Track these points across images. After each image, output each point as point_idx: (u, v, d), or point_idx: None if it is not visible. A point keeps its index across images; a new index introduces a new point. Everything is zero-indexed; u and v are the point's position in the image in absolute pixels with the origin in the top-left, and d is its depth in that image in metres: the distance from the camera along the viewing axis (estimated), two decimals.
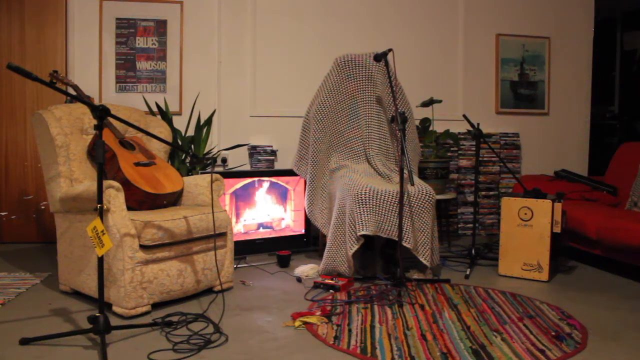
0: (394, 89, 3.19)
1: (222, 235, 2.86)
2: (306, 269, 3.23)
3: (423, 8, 4.64)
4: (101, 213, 2.07)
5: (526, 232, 3.19)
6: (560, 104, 4.97)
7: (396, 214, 2.97)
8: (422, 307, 2.64)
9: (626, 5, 6.30)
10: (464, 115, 3.64)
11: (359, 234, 2.96)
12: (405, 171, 2.93)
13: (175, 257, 2.63)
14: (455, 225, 4.66)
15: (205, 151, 4.04)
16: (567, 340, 2.21)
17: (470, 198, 4.66)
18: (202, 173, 3.59)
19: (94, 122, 2.05)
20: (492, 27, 4.76)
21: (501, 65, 4.78)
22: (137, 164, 2.74)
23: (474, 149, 4.65)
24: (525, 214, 3.19)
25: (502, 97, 4.82)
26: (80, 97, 2.13)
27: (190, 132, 4.06)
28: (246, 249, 3.65)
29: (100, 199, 2.08)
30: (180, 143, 3.87)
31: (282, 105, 4.33)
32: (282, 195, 3.80)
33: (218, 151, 4.12)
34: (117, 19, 4.14)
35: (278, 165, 4.27)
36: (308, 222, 3.84)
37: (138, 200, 2.69)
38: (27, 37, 4.04)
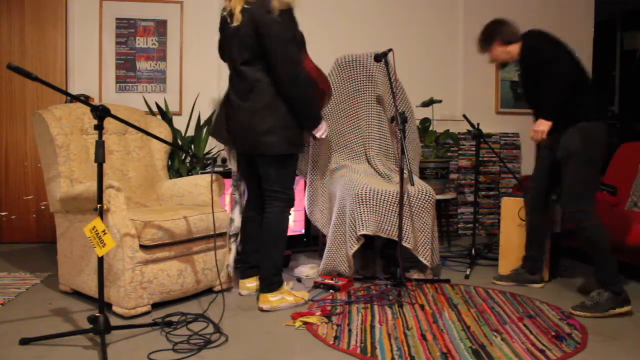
0: (394, 89, 3.19)
1: (222, 235, 2.86)
2: (306, 269, 3.23)
3: (423, 8, 4.64)
4: (101, 213, 2.07)
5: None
6: None
7: (396, 214, 2.97)
8: (422, 307, 2.64)
9: (626, 5, 6.30)
10: (464, 115, 3.64)
11: (359, 233, 2.95)
12: (405, 171, 2.93)
13: (175, 257, 2.63)
14: (455, 225, 4.66)
15: (205, 151, 4.04)
16: (567, 340, 2.21)
17: (470, 198, 4.65)
18: (202, 173, 3.59)
19: (94, 122, 2.05)
20: None
21: (501, 66, 4.77)
22: None
23: (474, 149, 4.65)
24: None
25: (502, 97, 4.81)
26: (79, 97, 2.13)
27: (190, 132, 4.05)
28: None
29: (100, 199, 2.08)
30: (180, 143, 3.87)
31: None
32: None
33: (218, 151, 4.12)
34: (117, 19, 4.14)
35: None
36: (308, 222, 3.84)
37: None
38: (27, 37, 4.04)
